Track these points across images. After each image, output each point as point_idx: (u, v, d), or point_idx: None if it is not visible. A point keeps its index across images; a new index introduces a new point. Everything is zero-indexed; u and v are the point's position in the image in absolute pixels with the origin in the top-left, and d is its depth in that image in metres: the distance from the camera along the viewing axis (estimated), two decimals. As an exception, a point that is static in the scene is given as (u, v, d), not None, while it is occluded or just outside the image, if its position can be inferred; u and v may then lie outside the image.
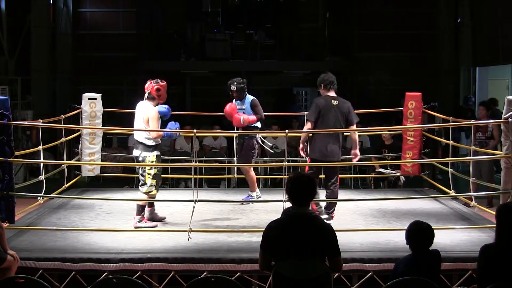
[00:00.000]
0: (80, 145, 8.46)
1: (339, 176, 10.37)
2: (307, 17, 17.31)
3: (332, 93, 6.88)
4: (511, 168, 6.20)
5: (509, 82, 14.76)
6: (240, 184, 9.57)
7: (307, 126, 6.83)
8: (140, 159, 6.71)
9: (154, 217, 6.97)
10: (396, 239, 5.99)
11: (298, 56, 16.48)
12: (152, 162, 6.67)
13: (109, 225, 6.85)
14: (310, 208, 4.28)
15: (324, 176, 7.04)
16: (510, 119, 6.15)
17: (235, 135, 8.81)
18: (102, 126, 8.91)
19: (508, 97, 6.28)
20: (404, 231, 4.59)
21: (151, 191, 6.72)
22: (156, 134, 6.68)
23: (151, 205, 6.97)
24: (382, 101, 14.65)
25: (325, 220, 6.18)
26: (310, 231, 4.08)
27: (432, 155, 9.19)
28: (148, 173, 6.66)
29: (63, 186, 8.00)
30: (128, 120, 13.09)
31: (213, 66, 16.66)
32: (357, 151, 7.00)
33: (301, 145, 6.95)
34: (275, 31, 16.99)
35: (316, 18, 17.40)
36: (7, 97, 6.38)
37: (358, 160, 10.07)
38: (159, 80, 7.02)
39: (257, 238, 5.01)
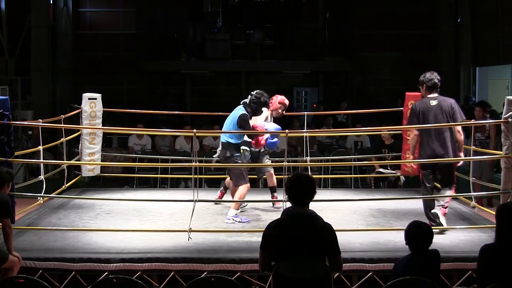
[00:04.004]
0: (80, 145, 8.46)
1: (341, 176, 10.48)
2: (307, 17, 17.32)
3: (433, 95, 6.52)
4: (511, 168, 6.20)
5: (509, 82, 14.77)
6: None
7: (414, 133, 6.56)
8: None
9: None
10: (396, 239, 5.99)
11: (298, 56, 16.49)
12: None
13: (109, 225, 6.85)
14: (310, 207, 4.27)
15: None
16: (510, 119, 6.15)
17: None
18: (102, 126, 8.90)
19: (508, 97, 6.28)
20: (404, 231, 4.59)
21: None
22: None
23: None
24: (382, 101, 14.67)
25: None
26: (310, 231, 4.08)
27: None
28: None
29: (63, 186, 8.00)
30: (126, 120, 13.20)
31: (213, 66, 16.68)
32: (462, 154, 6.57)
33: (411, 156, 6.73)
34: (275, 31, 16.99)
35: (316, 18, 17.41)
36: (7, 97, 6.38)
37: (358, 160, 10.20)
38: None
39: (257, 238, 5.01)
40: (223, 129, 7.29)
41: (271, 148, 7.73)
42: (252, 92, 7.34)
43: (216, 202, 7.89)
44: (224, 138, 7.19)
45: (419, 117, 6.47)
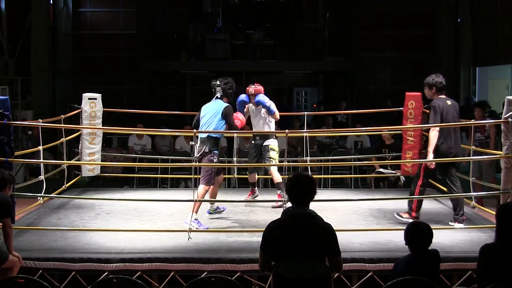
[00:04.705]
0: (80, 145, 8.46)
1: (341, 176, 10.47)
2: (307, 17, 17.32)
3: (443, 96, 6.89)
4: (511, 168, 6.20)
5: (509, 82, 14.76)
6: (240, 184, 9.58)
7: (436, 130, 6.68)
8: None
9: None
10: (396, 239, 5.99)
11: (298, 56, 16.50)
12: None
13: (109, 225, 6.85)
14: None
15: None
16: (510, 119, 6.15)
17: (235, 135, 8.82)
18: (102, 126, 8.90)
19: (508, 97, 6.28)
20: (403, 231, 4.59)
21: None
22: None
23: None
24: (382, 101, 14.67)
25: (457, 223, 6.60)
26: (310, 231, 4.08)
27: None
28: None
29: (63, 186, 8.01)
30: (126, 120, 13.21)
31: (213, 66, 16.67)
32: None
33: (430, 156, 6.67)
34: (275, 31, 17.00)
35: (316, 18, 17.41)
36: (7, 97, 6.38)
37: (358, 160, 10.20)
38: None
39: (257, 238, 5.01)
40: (205, 125, 6.91)
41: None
42: (216, 83, 7.04)
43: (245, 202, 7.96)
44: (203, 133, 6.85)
45: (443, 115, 6.71)
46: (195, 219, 6.52)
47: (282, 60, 16.56)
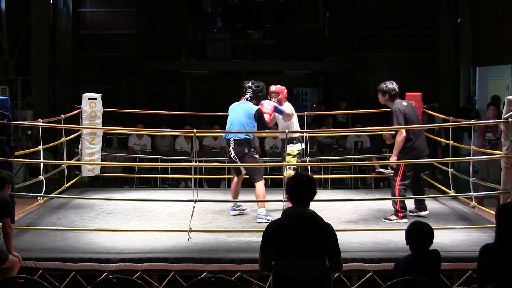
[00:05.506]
0: (80, 145, 8.46)
1: (341, 176, 10.47)
2: (307, 17, 17.32)
3: (397, 99, 6.92)
4: (511, 168, 6.20)
5: (509, 82, 14.75)
6: (241, 185, 9.57)
7: (403, 134, 6.74)
8: None
9: None
10: (396, 239, 5.99)
11: (298, 56, 16.49)
12: None
13: (109, 225, 6.85)
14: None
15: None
16: (510, 119, 6.15)
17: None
18: (102, 126, 8.90)
19: (508, 97, 6.28)
20: (404, 231, 4.59)
21: None
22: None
23: None
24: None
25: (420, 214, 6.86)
26: (310, 231, 4.08)
27: (432, 155, 9.18)
28: None
29: (63, 186, 8.00)
30: (126, 120, 13.21)
31: (213, 66, 16.67)
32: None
33: (395, 158, 6.78)
34: (275, 31, 17.00)
35: (316, 18, 17.40)
36: (7, 97, 6.39)
37: (358, 160, 10.20)
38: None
39: (257, 238, 5.01)
40: (232, 126, 7.08)
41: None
42: (249, 85, 7.17)
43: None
44: (239, 135, 7.00)
45: (406, 117, 6.77)
46: (266, 213, 6.97)
47: (282, 60, 16.56)
